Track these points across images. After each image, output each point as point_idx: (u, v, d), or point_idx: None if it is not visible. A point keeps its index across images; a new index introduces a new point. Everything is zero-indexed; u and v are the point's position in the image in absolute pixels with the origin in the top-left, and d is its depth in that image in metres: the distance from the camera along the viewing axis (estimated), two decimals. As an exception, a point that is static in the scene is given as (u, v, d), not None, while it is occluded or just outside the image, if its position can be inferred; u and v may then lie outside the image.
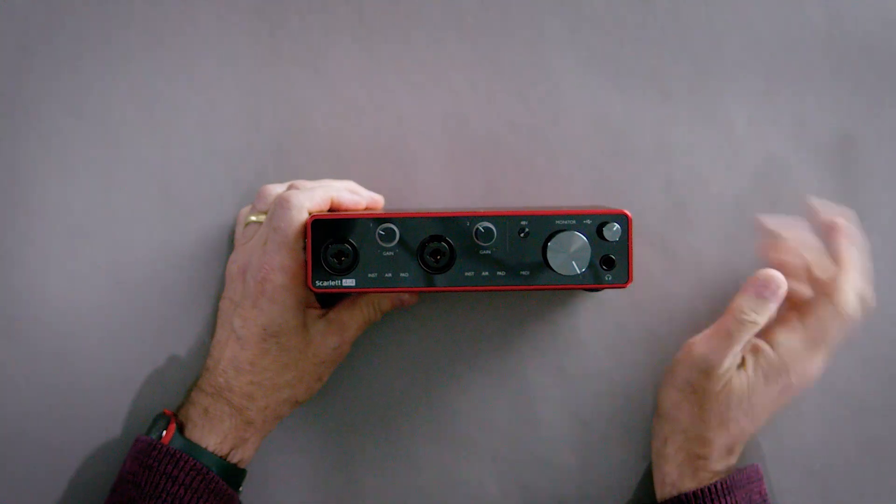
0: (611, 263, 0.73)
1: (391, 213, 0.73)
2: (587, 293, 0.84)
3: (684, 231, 0.84)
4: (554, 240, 0.72)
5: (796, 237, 0.80)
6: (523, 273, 0.73)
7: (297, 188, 0.77)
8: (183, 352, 0.84)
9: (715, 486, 0.77)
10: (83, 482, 0.83)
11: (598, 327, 0.84)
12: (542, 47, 0.85)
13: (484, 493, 0.84)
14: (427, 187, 0.85)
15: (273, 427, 0.79)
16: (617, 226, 0.72)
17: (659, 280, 0.84)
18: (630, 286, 0.73)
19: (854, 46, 0.84)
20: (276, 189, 0.79)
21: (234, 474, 0.77)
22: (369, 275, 0.73)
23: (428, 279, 0.73)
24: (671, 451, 0.79)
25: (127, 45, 0.84)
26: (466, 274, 0.73)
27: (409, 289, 0.73)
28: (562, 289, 0.74)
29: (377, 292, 0.79)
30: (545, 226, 0.72)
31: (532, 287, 0.73)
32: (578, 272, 0.72)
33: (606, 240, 0.72)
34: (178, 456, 0.75)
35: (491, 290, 0.73)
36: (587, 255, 0.72)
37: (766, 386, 0.77)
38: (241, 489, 0.79)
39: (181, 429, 0.77)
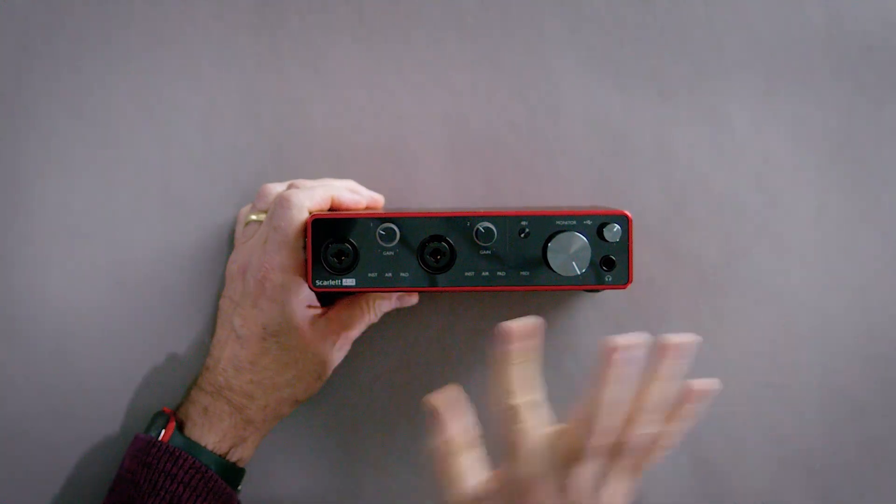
0: (611, 264, 0.73)
1: (391, 213, 0.73)
2: (587, 294, 0.84)
3: (684, 231, 0.84)
4: (554, 240, 0.72)
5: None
6: (523, 273, 0.73)
7: (297, 187, 0.77)
8: (183, 351, 0.84)
9: None
10: (82, 480, 0.83)
11: (598, 327, 0.84)
12: (542, 47, 0.85)
13: (484, 493, 0.84)
14: (427, 187, 0.85)
15: (273, 426, 0.79)
16: (617, 226, 0.72)
17: (659, 280, 0.84)
18: (630, 286, 0.73)
19: (854, 46, 0.84)
20: (277, 188, 0.79)
21: (233, 473, 0.77)
22: (369, 274, 0.73)
23: (428, 279, 0.73)
24: None
25: (127, 45, 0.84)
26: (466, 274, 0.73)
27: (410, 289, 0.73)
28: (562, 289, 0.74)
29: (377, 292, 0.79)
30: (545, 226, 0.72)
31: (532, 287, 0.73)
32: (578, 273, 0.72)
33: (606, 240, 0.72)
34: (177, 454, 0.75)
35: (491, 290, 0.73)
36: (587, 255, 0.72)
37: None
38: (239, 488, 0.79)
39: (180, 427, 0.77)
